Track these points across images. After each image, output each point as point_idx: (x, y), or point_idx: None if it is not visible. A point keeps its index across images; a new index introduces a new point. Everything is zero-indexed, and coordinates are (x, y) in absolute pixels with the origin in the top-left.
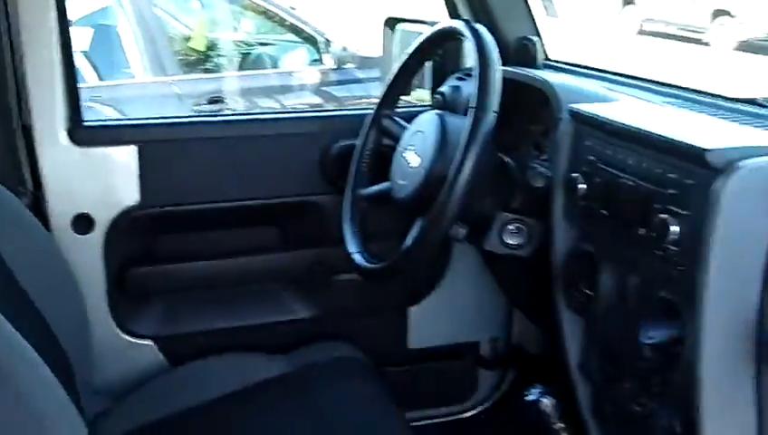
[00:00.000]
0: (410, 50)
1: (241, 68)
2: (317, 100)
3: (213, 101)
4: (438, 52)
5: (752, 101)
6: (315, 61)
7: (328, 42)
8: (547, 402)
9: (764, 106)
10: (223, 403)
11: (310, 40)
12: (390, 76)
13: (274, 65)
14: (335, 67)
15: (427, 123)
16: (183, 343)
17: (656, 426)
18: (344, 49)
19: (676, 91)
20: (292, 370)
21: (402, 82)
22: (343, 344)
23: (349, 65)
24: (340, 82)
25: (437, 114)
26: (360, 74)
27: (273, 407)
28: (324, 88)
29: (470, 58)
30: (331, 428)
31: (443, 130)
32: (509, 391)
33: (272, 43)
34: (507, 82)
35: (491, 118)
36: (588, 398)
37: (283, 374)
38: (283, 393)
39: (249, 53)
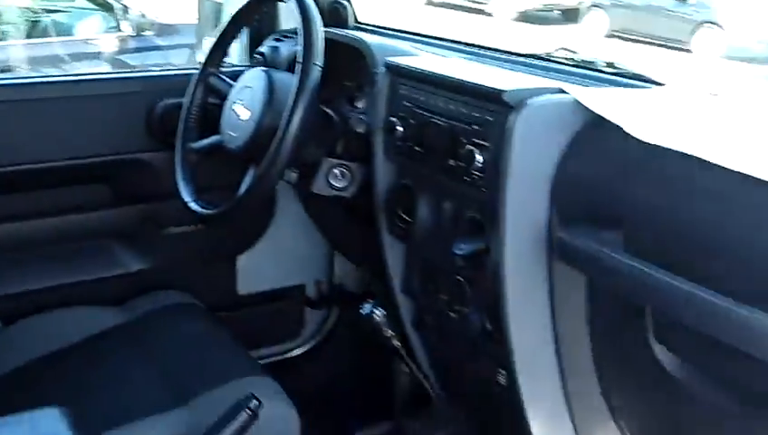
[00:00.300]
0: (234, 12)
1: (29, 37)
2: (112, 68)
3: (2, 70)
4: (257, 16)
5: (536, 56)
6: (112, 28)
7: (126, 8)
8: (379, 314)
9: (546, 60)
10: (61, 357)
11: (105, 6)
12: (215, 37)
13: (68, 33)
14: (133, 34)
15: (254, 79)
16: (14, 302)
17: (470, 328)
18: (143, 16)
19: (473, 49)
20: (128, 320)
21: (226, 42)
22: (176, 293)
23: (147, 33)
24: (138, 50)
25: (264, 71)
26: (160, 41)
27: (114, 356)
28: (120, 56)
29: (286, 21)
30: (178, 370)
31: (270, 84)
32: (334, 327)
33: (62, 10)
34: (325, 42)
35: (317, 72)
36: (410, 313)
37: (120, 325)
38: (122, 343)
39: (38, 21)
